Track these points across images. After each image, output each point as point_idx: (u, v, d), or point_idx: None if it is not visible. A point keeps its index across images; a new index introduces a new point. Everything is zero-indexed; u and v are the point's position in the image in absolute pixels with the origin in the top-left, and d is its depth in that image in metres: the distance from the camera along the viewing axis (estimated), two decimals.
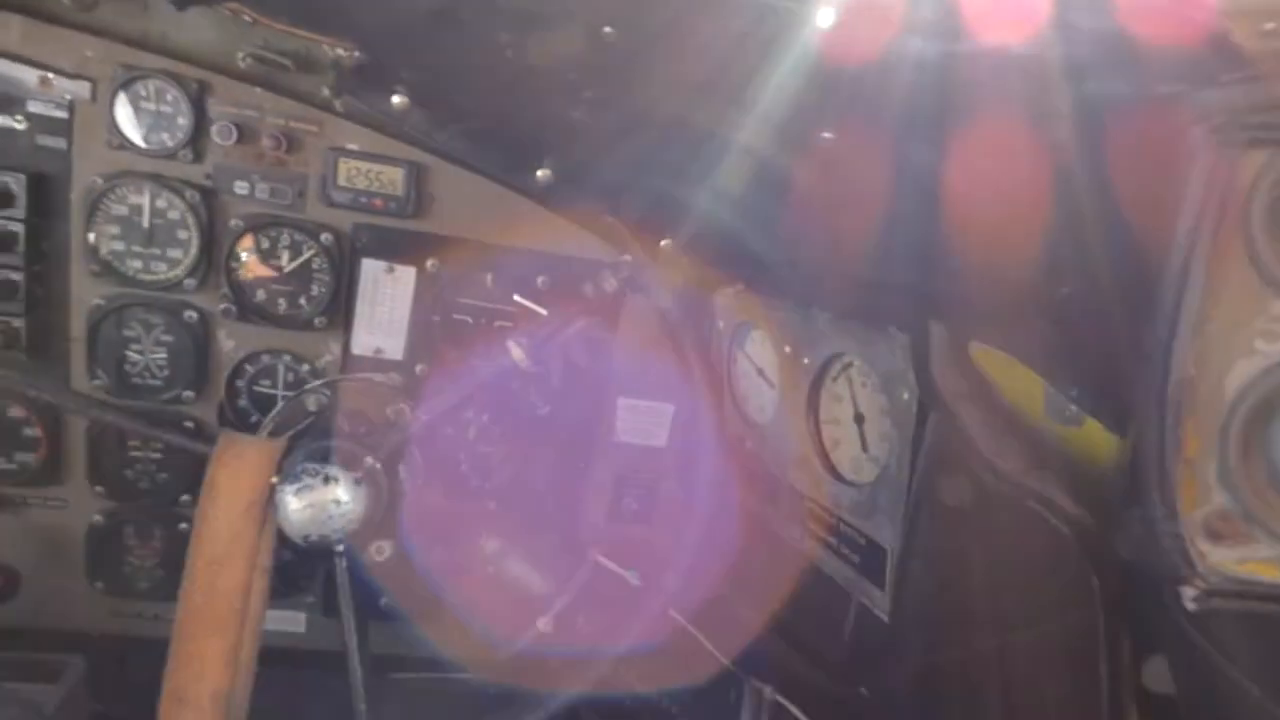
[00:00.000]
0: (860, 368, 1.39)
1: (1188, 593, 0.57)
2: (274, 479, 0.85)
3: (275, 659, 1.99)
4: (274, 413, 0.95)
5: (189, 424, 1.70)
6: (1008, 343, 1.03)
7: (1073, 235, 0.66)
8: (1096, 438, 0.94)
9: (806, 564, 1.54)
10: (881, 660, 1.24)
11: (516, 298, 1.73)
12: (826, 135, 0.86)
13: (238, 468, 0.85)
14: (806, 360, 1.49)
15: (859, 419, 1.39)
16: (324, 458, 0.85)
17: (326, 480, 0.84)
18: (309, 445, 0.87)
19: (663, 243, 1.48)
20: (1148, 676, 0.85)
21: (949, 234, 0.86)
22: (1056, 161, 0.62)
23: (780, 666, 1.50)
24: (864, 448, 1.38)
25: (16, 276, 1.56)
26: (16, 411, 1.66)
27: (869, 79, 0.70)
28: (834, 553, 1.41)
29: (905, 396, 1.23)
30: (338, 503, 0.84)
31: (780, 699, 1.25)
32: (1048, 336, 0.91)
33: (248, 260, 1.66)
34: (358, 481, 0.85)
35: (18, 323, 1.58)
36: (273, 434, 0.93)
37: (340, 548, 0.87)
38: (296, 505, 0.84)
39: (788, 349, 1.54)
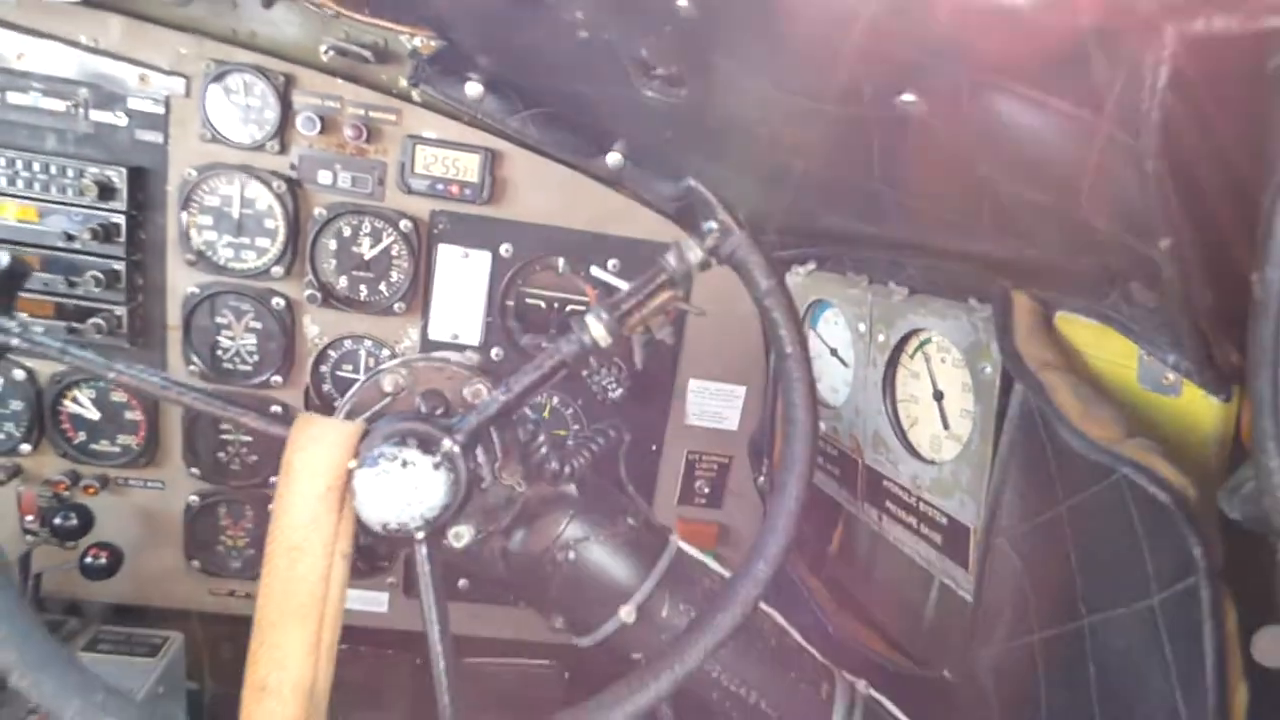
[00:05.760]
0: (939, 343, 1.36)
1: None
2: (351, 464, 0.85)
3: (357, 638, 2.06)
4: (350, 394, 0.96)
5: (277, 408, 1.77)
6: (1097, 310, 0.99)
7: (1170, 181, 0.63)
8: (1197, 406, 0.90)
9: (885, 546, 1.52)
10: (966, 642, 1.21)
11: (594, 269, 1.75)
12: (907, 98, 0.83)
13: (314, 451, 0.85)
14: (882, 338, 1.46)
15: (938, 396, 1.36)
16: (401, 441, 0.86)
17: (405, 465, 0.83)
18: (385, 428, 0.88)
19: None
20: (1258, 650, 0.81)
21: (1032, 198, 0.83)
22: (1141, 103, 0.59)
23: (861, 651, 1.48)
24: (944, 425, 1.35)
25: (119, 266, 1.65)
26: (119, 395, 1.76)
27: (954, 33, 0.68)
28: (914, 533, 1.39)
29: (988, 370, 1.20)
30: (416, 488, 0.84)
31: (873, 693, 1.22)
32: (1142, 299, 0.87)
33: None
34: (436, 466, 0.85)
35: (120, 310, 1.67)
36: (349, 415, 0.94)
37: (420, 535, 0.87)
38: (374, 492, 0.84)
39: (862, 327, 1.52)
